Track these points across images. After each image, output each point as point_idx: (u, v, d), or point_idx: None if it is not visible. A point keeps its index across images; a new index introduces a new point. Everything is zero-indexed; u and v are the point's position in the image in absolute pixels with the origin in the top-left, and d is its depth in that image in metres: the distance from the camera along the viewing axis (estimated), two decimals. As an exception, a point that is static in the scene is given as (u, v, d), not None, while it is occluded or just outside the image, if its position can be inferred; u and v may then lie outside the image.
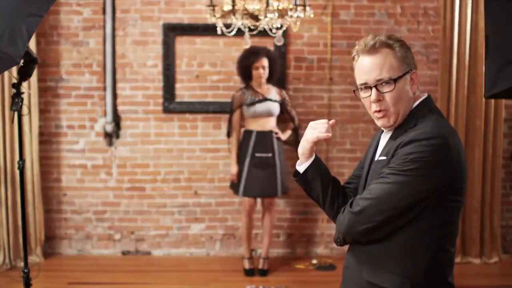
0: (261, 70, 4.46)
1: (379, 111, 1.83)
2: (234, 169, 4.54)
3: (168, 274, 4.59)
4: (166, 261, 4.94)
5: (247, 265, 4.59)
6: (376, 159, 1.89)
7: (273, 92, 4.56)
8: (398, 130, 1.84)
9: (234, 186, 4.58)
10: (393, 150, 1.77)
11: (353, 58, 1.87)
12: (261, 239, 4.77)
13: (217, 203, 5.05)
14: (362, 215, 1.76)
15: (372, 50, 1.81)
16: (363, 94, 1.86)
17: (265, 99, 4.50)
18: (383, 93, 1.80)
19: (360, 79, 1.85)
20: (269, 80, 4.56)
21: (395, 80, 1.79)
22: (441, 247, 1.77)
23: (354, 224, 1.79)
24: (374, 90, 1.81)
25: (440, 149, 1.70)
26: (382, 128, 1.92)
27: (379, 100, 1.81)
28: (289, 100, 4.65)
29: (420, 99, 1.88)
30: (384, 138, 1.91)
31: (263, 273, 4.54)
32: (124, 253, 5.07)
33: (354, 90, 1.90)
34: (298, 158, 1.94)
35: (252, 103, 4.48)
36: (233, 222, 5.04)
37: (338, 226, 1.86)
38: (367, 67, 1.81)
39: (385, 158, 1.81)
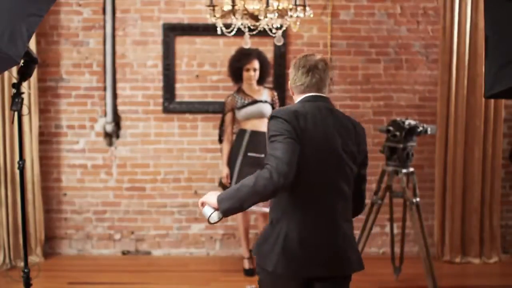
0: (251, 72, 4.47)
1: None
2: (224, 171, 4.55)
3: (168, 274, 4.59)
4: (166, 261, 4.94)
5: (247, 265, 4.59)
6: None
7: (264, 94, 4.56)
8: None
9: (223, 184, 4.60)
10: None
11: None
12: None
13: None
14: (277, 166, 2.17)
15: None
16: None
17: (255, 101, 4.50)
18: None
19: None
20: (260, 82, 4.57)
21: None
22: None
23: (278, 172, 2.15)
24: None
25: (279, 118, 2.28)
26: None
27: None
28: (278, 104, 4.63)
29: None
30: None
31: (263, 273, 4.54)
32: (124, 253, 5.08)
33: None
34: None
35: (243, 106, 4.49)
36: (233, 222, 5.04)
37: (268, 186, 2.15)
38: None
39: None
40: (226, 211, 2.22)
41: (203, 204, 2.32)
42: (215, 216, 2.26)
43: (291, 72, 2.46)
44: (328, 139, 2.33)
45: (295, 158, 2.20)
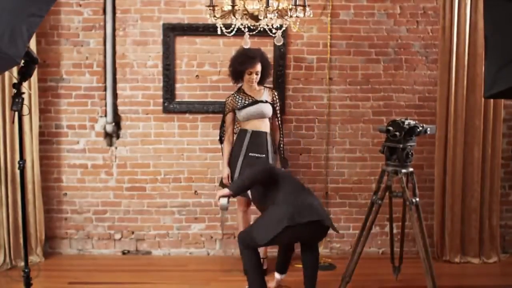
0: (254, 76, 4.47)
1: None
2: (225, 172, 4.55)
3: (168, 274, 4.60)
4: (166, 261, 4.95)
5: (247, 264, 4.59)
6: None
7: (265, 94, 4.56)
8: None
9: (224, 185, 4.60)
10: None
11: None
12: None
13: (217, 202, 5.05)
14: None
15: None
16: None
17: (256, 102, 4.51)
18: None
19: None
20: (261, 82, 4.57)
21: None
22: None
23: None
24: None
25: None
26: None
27: None
28: (278, 104, 4.64)
29: None
30: None
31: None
32: (124, 253, 5.09)
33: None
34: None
35: (244, 107, 4.49)
36: (233, 222, 5.05)
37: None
38: None
39: None
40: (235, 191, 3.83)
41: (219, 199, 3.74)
42: (224, 201, 3.71)
43: None
44: None
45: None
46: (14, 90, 3.12)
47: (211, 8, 3.49)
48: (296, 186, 3.87)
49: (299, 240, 3.92)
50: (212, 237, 5.10)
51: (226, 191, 3.75)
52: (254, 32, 3.57)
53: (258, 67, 4.47)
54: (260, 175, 3.80)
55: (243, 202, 4.64)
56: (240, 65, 4.46)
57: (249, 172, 3.84)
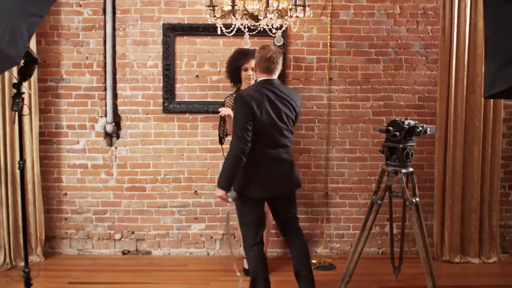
0: (250, 71, 4.47)
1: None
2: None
3: (168, 274, 4.60)
4: (166, 261, 4.95)
5: (246, 264, 4.59)
6: None
7: None
8: None
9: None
10: None
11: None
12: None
13: (217, 203, 5.06)
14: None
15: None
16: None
17: None
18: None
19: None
20: None
21: None
22: None
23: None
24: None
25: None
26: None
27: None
28: None
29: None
30: None
31: (263, 272, 4.54)
32: (124, 253, 5.08)
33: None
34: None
35: None
36: (233, 222, 5.04)
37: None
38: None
39: None
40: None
41: (223, 199, 3.59)
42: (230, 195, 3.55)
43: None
44: (270, 113, 3.57)
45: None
46: (14, 90, 3.12)
47: (211, 8, 3.49)
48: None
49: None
50: (212, 237, 5.10)
51: (220, 192, 3.61)
52: (254, 32, 3.57)
53: (254, 63, 4.47)
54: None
55: None
56: (236, 61, 4.47)
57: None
